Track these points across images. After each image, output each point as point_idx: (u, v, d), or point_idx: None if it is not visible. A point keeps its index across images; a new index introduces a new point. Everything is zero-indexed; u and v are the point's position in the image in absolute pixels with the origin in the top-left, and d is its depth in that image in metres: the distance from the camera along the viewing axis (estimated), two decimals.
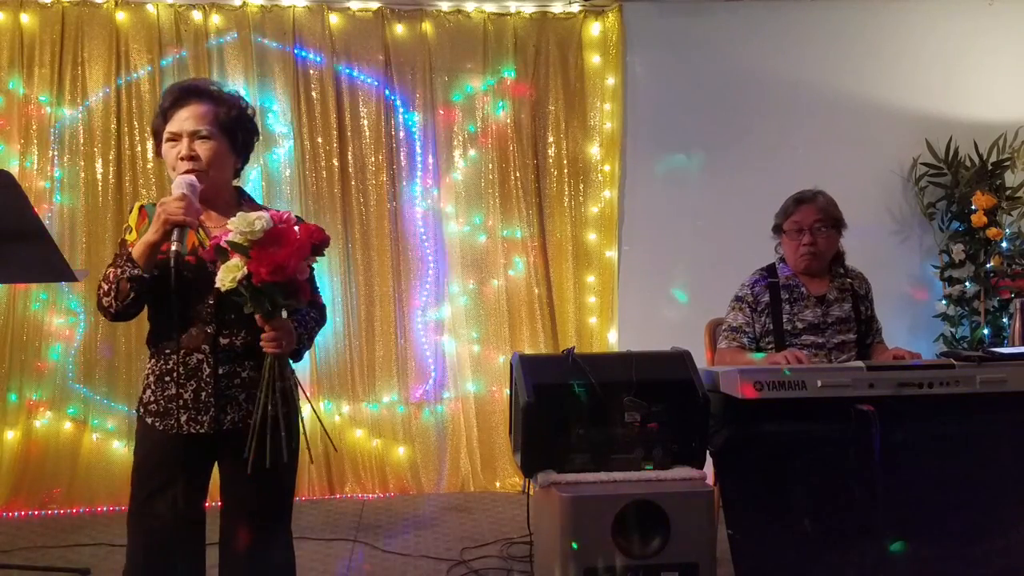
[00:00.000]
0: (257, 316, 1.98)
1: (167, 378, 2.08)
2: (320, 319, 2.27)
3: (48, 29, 4.45)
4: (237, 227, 1.88)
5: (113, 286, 1.99)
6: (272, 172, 4.61)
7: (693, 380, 2.59)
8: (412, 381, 4.69)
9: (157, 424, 2.09)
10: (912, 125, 4.86)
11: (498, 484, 4.65)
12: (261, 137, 4.70)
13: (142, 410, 2.12)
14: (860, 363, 2.65)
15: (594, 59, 4.79)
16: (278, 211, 1.97)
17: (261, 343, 2.00)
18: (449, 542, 3.81)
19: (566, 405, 2.54)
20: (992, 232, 4.61)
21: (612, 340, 4.77)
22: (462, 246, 4.74)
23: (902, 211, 4.93)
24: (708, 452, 2.64)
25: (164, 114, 2.11)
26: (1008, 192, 4.75)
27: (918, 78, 4.90)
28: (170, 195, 2.00)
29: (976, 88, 4.91)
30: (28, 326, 4.41)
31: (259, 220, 1.88)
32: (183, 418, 2.06)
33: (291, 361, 2.14)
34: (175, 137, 2.09)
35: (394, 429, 4.65)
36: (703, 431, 2.58)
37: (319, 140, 4.62)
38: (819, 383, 2.49)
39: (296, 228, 1.95)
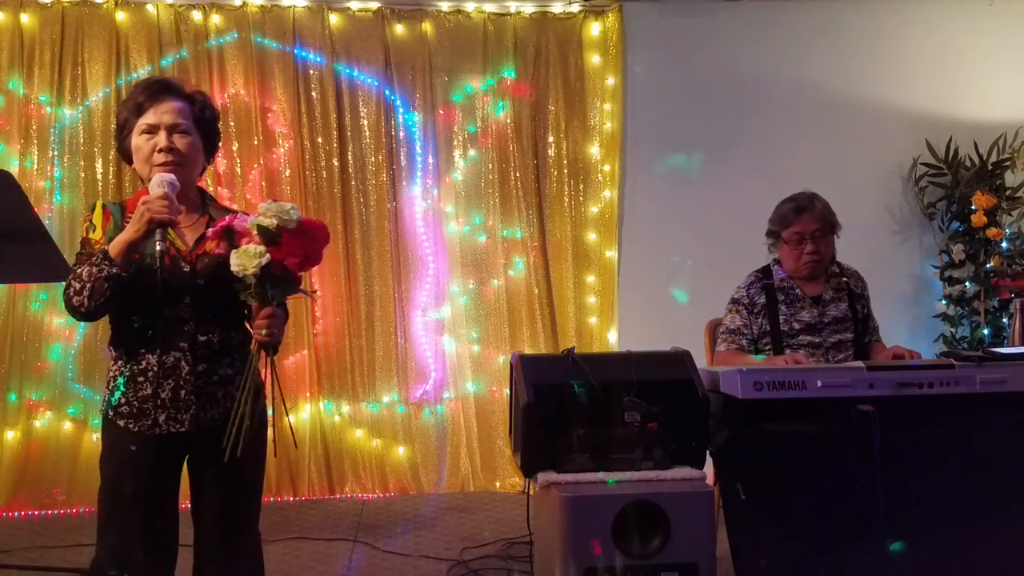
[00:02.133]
0: (254, 304, 1.99)
1: (140, 378, 2.05)
2: (285, 316, 2.26)
3: (48, 29, 4.46)
4: (273, 213, 1.88)
5: (87, 285, 1.94)
6: (272, 172, 4.61)
7: (693, 380, 2.59)
8: (412, 381, 4.69)
9: (131, 426, 2.05)
10: (912, 125, 4.86)
11: (498, 484, 4.65)
12: (261, 137, 4.76)
13: (111, 413, 2.08)
14: (860, 363, 2.65)
15: (594, 59, 4.79)
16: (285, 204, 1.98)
17: (254, 331, 1.98)
18: (449, 542, 3.81)
19: (566, 405, 2.54)
20: (992, 232, 4.61)
21: (612, 340, 4.77)
22: (462, 246, 4.74)
23: (902, 211, 4.93)
24: (708, 452, 2.64)
25: (140, 107, 2.08)
26: (1008, 192, 4.75)
27: (918, 78, 4.90)
28: (150, 193, 1.97)
29: (976, 88, 4.91)
30: (28, 326, 4.41)
31: (293, 209, 1.91)
32: (161, 417, 2.04)
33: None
34: (152, 129, 2.06)
35: (394, 429, 4.65)
36: (703, 431, 2.58)
37: (319, 140, 4.63)
38: (819, 383, 2.49)
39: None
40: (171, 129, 2.07)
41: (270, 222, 1.89)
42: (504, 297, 4.73)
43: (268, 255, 1.89)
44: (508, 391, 2.84)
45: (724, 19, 4.83)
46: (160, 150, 2.05)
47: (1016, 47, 4.95)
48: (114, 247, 1.95)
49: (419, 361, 4.71)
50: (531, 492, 2.68)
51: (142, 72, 4.48)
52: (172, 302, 2.03)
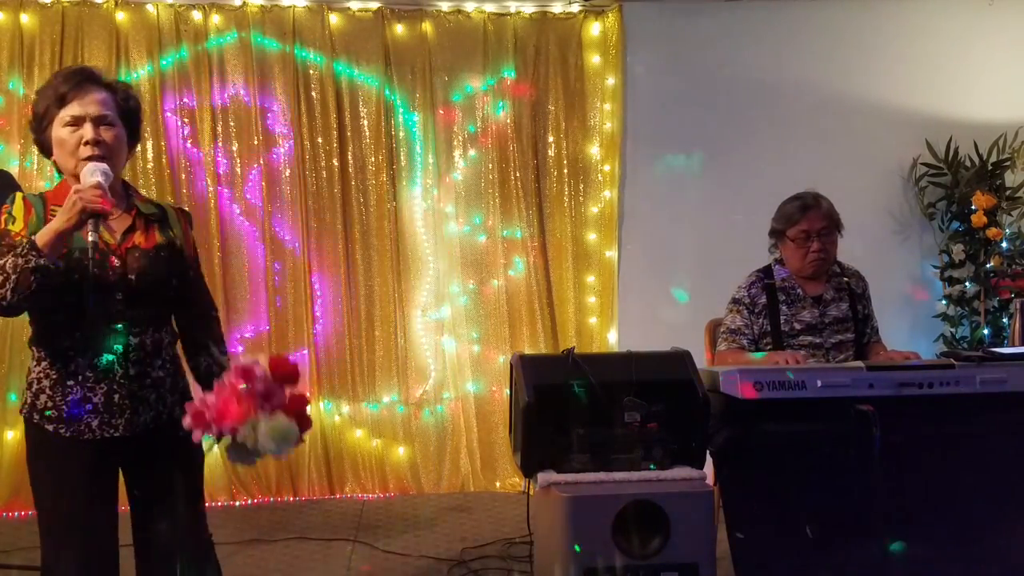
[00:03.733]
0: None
1: (70, 382, 1.96)
2: (217, 316, 2.26)
3: (48, 29, 4.45)
4: (276, 450, 1.84)
5: (11, 276, 1.81)
6: (272, 172, 4.61)
7: (693, 380, 2.59)
8: (412, 381, 4.68)
9: (62, 431, 1.97)
10: (912, 125, 4.85)
11: (498, 484, 4.65)
12: (261, 137, 4.75)
13: (36, 417, 1.99)
14: (860, 363, 2.65)
15: (594, 59, 4.78)
16: (255, 369, 1.88)
17: None
18: (449, 542, 3.81)
19: (566, 405, 2.54)
20: (992, 232, 4.61)
21: (612, 340, 4.77)
22: (462, 246, 4.74)
23: (902, 211, 4.93)
24: (708, 452, 2.64)
25: (62, 97, 1.98)
26: (1008, 192, 4.75)
27: (918, 78, 4.90)
28: (82, 183, 1.89)
29: (976, 88, 4.90)
30: (28, 326, 4.39)
31: (292, 430, 1.86)
32: (94, 423, 1.97)
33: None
34: (77, 121, 1.97)
35: (394, 429, 4.65)
36: (703, 431, 2.58)
37: (319, 140, 4.62)
38: (819, 383, 2.49)
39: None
40: (97, 121, 1.98)
41: (274, 451, 1.86)
42: (504, 297, 4.73)
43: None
44: (508, 391, 2.84)
45: (724, 19, 4.83)
46: (87, 142, 1.96)
47: (1016, 47, 4.94)
48: (41, 237, 1.84)
49: (419, 361, 4.70)
50: (531, 492, 2.68)
51: (142, 72, 4.48)
52: (102, 299, 1.95)
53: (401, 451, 4.65)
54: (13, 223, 1.96)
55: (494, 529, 3.97)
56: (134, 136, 2.12)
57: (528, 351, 4.59)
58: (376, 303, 4.67)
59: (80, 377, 1.97)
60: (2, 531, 4.01)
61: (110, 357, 1.97)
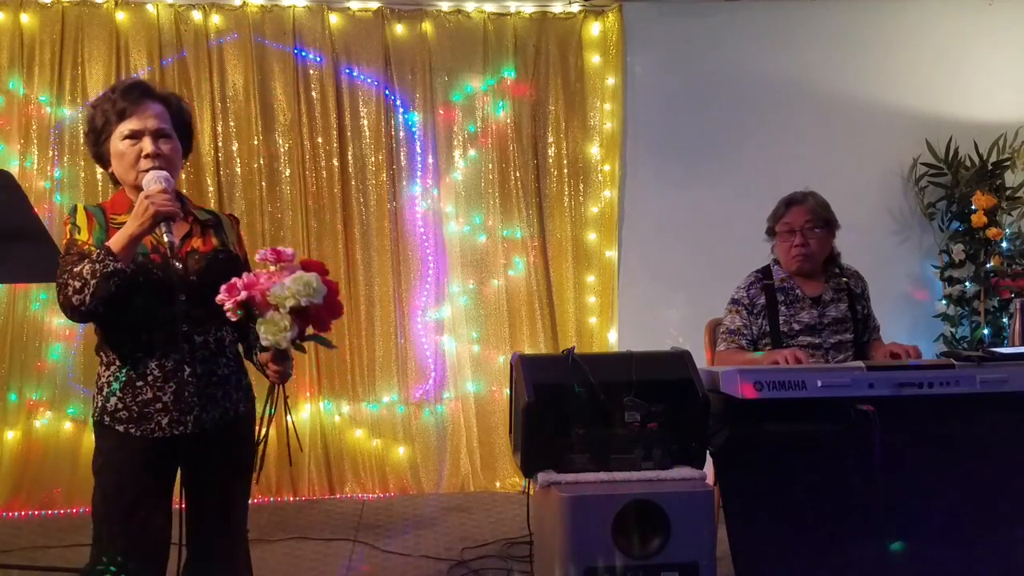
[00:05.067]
0: (262, 355, 2.02)
1: (140, 383, 2.03)
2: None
3: (48, 29, 4.45)
4: (300, 291, 1.88)
5: (90, 282, 1.90)
6: (272, 172, 4.60)
7: (693, 380, 2.58)
8: (412, 381, 4.69)
9: (132, 430, 2.03)
10: (912, 125, 4.85)
11: (498, 484, 4.65)
12: (261, 137, 4.74)
13: (107, 419, 2.05)
14: (860, 363, 2.65)
15: (594, 59, 4.79)
16: (286, 251, 1.98)
17: (269, 375, 2.02)
18: (449, 542, 3.81)
19: (566, 405, 2.54)
20: (992, 232, 4.61)
21: (612, 340, 4.77)
22: (462, 246, 4.74)
23: (902, 211, 4.93)
24: (708, 452, 2.64)
25: (122, 112, 2.06)
26: (1008, 192, 4.75)
27: (918, 78, 4.90)
28: (146, 190, 1.97)
29: (976, 88, 4.91)
30: (28, 326, 4.41)
31: (316, 280, 1.91)
32: (164, 421, 2.03)
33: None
34: (137, 135, 2.05)
35: (394, 429, 4.65)
36: (703, 431, 2.58)
37: (319, 140, 4.63)
38: (819, 383, 2.49)
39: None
40: (156, 134, 2.06)
41: (296, 302, 1.89)
42: (504, 297, 4.73)
43: (296, 328, 1.91)
44: (508, 391, 2.84)
45: (724, 19, 4.83)
46: (147, 155, 2.04)
47: (1016, 47, 4.95)
48: (116, 243, 1.93)
49: (419, 361, 4.71)
50: (531, 492, 2.68)
51: (142, 72, 4.47)
52: (168, 301, 2.02)
53: (401, 451, 4.65)
54: (79, 233, 2.03)
55: (494, 529, 3.97)
56: (187, 146, 2.20)
57: (528, 351, 4.60)
58: (376, 303, 4.67)
59: (150, 378, 2.03)
60: (2, 531, 4.00)
61: (177, 357, 2.03)
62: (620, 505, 2.37)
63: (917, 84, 4.90)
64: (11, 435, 4.37)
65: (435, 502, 4.46)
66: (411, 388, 4.68)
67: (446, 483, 4.65)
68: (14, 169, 4.28)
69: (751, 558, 2.55)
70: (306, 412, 4.58)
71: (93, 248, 1.98)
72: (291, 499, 4.51)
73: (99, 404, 2.07)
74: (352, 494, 4.58)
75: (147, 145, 2.05)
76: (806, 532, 2.52)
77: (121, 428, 2.04)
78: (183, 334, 2.04)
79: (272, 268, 1.97)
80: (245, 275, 1.96)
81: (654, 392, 2.56)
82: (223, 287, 1.94)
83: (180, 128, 2.15)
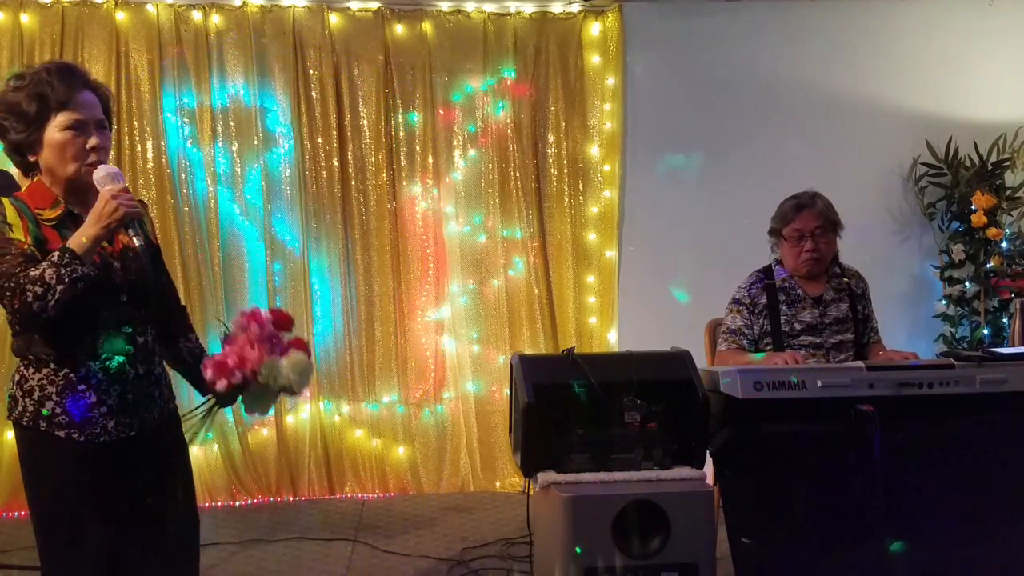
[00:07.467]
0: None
1: (81, 386, 1.91)
2: (184, 307, 2.28)
3: (48, 29, 4.44)
4: (298, 384, 1.93)
5: (55, 287, 1.76)
6: (272, 172, 4.60)
7: (693, 380, 2.59)
8: (412, 381, 4.69)
9: (75, 435, 1.91)
10: (912, 125, 4.85)
11: (498, 484, 4.65)
12: (261, 137, 4.74)
13: (44, 424, 1.91)
14: (860, 363, 2.65)
15: (594, 59, 4.78)
16: (263, 317, 1.97)
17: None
18: (449, 542, 3.81)
19: (566, 405, 2.55)
20: (992, 232, 4.61)
21: (612, 340, 4.77)
22: (462, 246, 4.74)
23: (902, 211, 4.93)
24: (708, 452, 2.64)
25: (62, 101, 1.89)
26: (1008, 192, 4.75)
27: (918, 78, 4.90)
28: (101, 188, 1.88)
29: (976, 88, 4.90)
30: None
31: (308, 364, 1.97)
32: (110, 424, 1.95)
33: None
34: (81, 126, 1.91)
35: (394, 429, 4.65)
36: (703, 431, 2.58)
37: (319, 140, 4.62)
38: (819, 383, 2.49)
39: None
40: (98, 125, 1.95)
41: (289, 383, 1.93)
42: (504, 297, 4.73)
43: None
44: (508, 391, 2.84)
45: (724, 19, 4.83)
46: (94, 148, 1.91)
47: (1016, 47, 4.94)
48: (80, 246, 1.80)
49: (419, 361, 4.70)
50: (531, 492, 2.68)
51: (142, 72, 4.47)
52: (109, 303, 1.93)
53: (401, 451, 4.65)
54: (11, 231, 1.86)
55: (494, 529, 3.97)
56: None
57: (528, 351, 4.59)
58: (376, 303, 4.67)
59: (93, 381, 1.93)
60: (2, 531, 4.01)
61: (121, 359, 1.96)
62: (620, 505, 2.37)
63: (917, 84, 4.89)
64: (11, 435, 4.36)
65: (435, 502, 4.46)
66: (411, 388, 4.67)
67: (446, 483, 4.65)
68: (14, 169, 4.27)
69: (751, 558, 2.55)
70: (306, 412, 4.58)
71: (33, 248, 1.84)
72: (291, 499, 4.51)
73: (28, 409, 1.93)
74: (352, 494, 4.58)
75: (93, 138, 1.92)
76: (806, 532, 2.53)
77: (62, 433, 1.92)
78: (125, 336, 1.96)
79: (254, 329, 1.94)
80: (228, 347, 1.93)
81: (654, 392, 2.56)
82: (209, 364, 1.92)
83: (109, 118, 2.03)
